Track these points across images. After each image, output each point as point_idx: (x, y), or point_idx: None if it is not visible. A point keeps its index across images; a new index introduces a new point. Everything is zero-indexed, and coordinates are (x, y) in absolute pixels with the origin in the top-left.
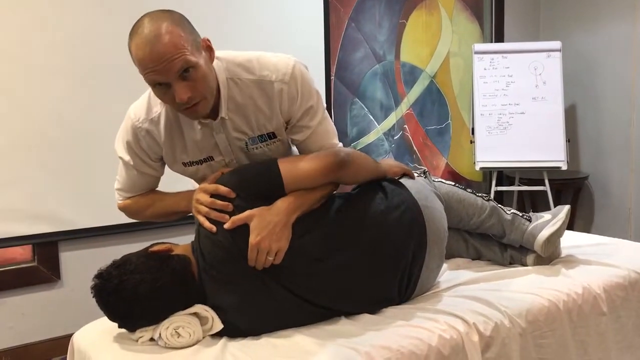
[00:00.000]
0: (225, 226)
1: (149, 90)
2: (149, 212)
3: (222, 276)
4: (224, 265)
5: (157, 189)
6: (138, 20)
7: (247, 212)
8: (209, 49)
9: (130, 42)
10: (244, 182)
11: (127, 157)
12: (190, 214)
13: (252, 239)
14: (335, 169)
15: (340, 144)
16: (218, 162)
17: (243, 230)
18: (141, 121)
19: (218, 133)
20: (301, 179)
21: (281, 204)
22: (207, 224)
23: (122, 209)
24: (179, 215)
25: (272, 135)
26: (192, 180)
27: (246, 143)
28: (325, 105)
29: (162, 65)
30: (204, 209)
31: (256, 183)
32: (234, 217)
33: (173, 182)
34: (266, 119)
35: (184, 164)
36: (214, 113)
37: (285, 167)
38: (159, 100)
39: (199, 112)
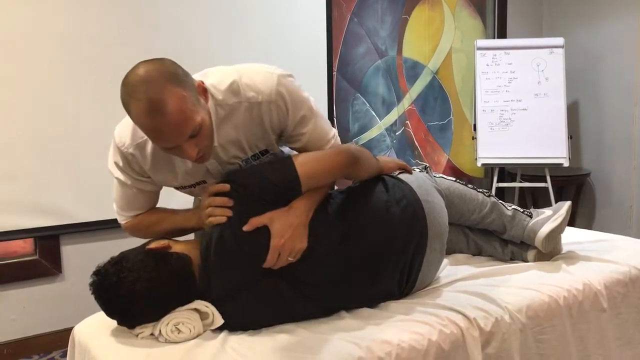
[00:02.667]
0: (245, 228)
1: None
2: (154, 229)
3: (229, 278)
4: (233, 269)
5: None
6: (131, 78)
7: (268, 215)
8: (204, 92)
9: (128, 102)
10: (263, 188)
11: (122, 177)
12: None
13: (276, 241)
14: (348, 166)
15: (335, 131)
16: (211, 184)
17: (254, 233)
18: (126, 146)
19: (209, 159)
20: (317, 179)
21: (299, 205)
22: (215, 220)
23: (128, 229)
24: (187, 232)
25: (264, 152)
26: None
27: (240, 165)
28: (313, 102)
29: (170, 136)
30: (209, 209)
31: (274, 187)
32: (253, 219)
33: (170, 195)
34: (257, 139)
35: (176, 188)
36: None
37: (302, 170)
38: None
39: (207, 158)
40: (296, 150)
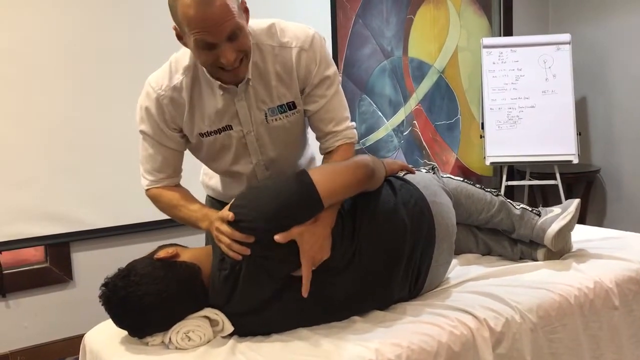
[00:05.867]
0: (277, 239)
1: (168, 61)
2: (170, 212)
3: (251, 296)
4: (255, 287)
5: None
6: None
7: (297, 229)
8: (246, 11)
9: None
10: (284, 212)
11: (145, 127)
12: None
13: (308, 254)
14: (367, 180)
15: (353, 123)
16: (237, 132)
17: (274, 251)
18: (164, 89)
19: (239, 100)
20: (338, 196)
21: (325, 218)
22: (231, 254)
23: (149, 197)
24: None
25: (291, 106)
26: (204, 168)
27: (266, 114)
28: (340, 80)
29: (213, 28)
30: (226, 240)
31: (296, 212)
32: (284, 235)
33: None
34: (286, 87)
35: (201, 135)
36: None
37: (323, 190)
38: (180, 69)
39: (241, 74)
40: (310, 118)
